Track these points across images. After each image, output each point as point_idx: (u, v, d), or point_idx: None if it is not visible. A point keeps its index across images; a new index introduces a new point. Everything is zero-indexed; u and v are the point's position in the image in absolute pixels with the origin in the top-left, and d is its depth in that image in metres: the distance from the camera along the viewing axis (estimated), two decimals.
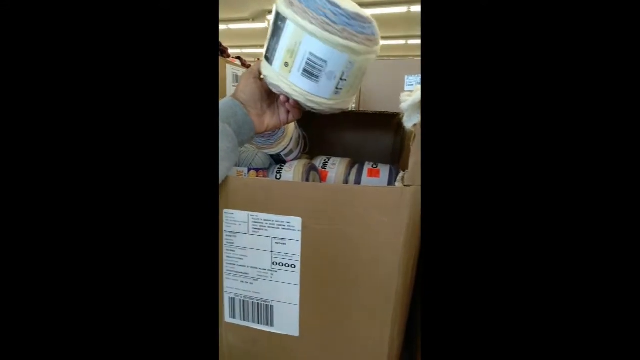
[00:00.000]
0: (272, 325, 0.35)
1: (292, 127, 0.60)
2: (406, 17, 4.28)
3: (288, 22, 0.29)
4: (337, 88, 0.32)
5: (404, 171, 0.37)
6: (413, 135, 0.30)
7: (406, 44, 5.43)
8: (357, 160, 0.63)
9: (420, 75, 0.82)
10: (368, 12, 0.30)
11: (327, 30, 0.29)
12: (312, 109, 0.34)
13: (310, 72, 0.30)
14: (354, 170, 0.58)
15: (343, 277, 0.31)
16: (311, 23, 0.28)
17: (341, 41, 0.29)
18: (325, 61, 0.30)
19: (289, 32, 0.30)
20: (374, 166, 0.59)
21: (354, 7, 0.30)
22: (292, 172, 0.53)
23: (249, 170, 0.55)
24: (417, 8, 3.96)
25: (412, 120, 0.32)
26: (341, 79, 0.31)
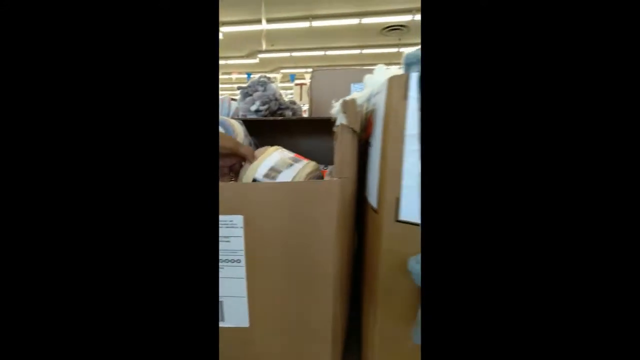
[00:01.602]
0: (223, 320, 0.37)
1: (242, 135, 0.62)
2: (357, 29, 4.54)
3: None
4: None
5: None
6: (336, 135, 0.34)
7: (361, 53, 5.70)
8: None
9: (362, 84, 0.89)
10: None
11: None
12: None
13: None
14: None
15: (285, 266, 0.34)
16: None
17: None
18: None
19: None
20: (325, 168, 0.64)
21: None
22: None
23: None
24: (367, 20, 4.24)
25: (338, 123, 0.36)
26: None
